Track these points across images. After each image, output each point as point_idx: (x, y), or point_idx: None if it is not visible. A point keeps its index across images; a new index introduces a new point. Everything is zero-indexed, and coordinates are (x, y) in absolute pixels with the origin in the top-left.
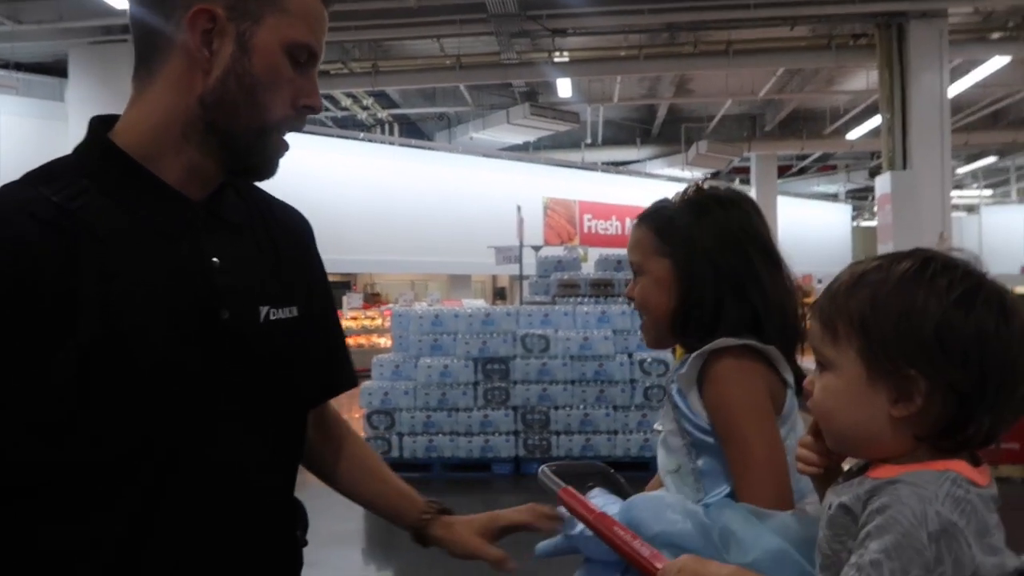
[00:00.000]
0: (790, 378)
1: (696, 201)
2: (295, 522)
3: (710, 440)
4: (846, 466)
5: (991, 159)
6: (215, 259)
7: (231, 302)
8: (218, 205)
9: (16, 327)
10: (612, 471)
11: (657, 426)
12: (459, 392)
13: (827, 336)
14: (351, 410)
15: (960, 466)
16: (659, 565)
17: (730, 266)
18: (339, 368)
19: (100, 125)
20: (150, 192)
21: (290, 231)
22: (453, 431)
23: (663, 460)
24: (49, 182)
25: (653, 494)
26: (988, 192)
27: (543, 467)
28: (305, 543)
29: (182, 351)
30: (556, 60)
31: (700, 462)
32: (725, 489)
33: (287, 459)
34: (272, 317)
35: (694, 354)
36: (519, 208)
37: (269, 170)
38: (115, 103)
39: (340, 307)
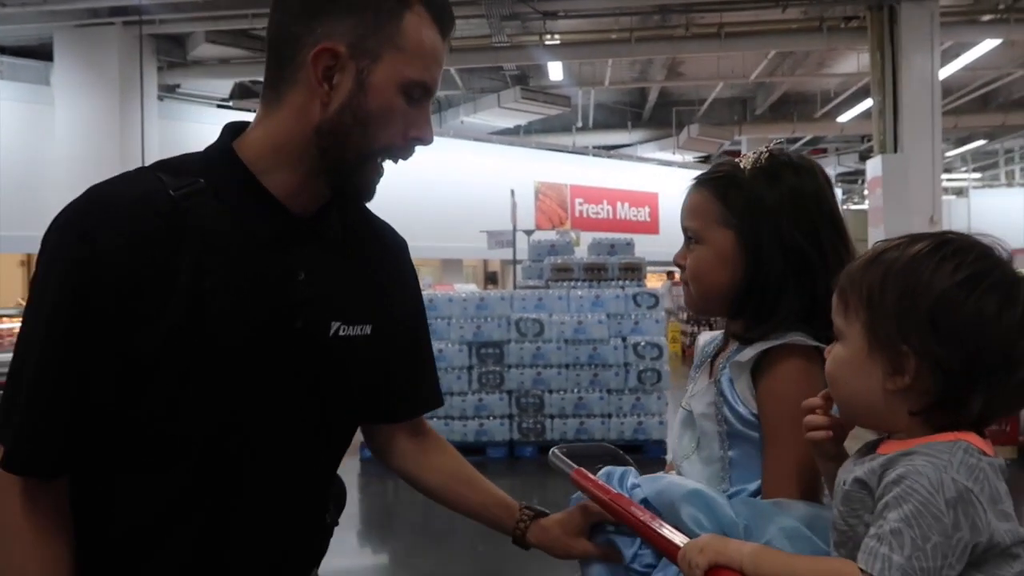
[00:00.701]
0: None
1: (768, 169)
2: (326, 507)
3: (748, 432)
4: (850, 446)
5: (980, 142)
6: (301, 272)
7: (305, 313)
8: (321, 221)
9: (118, 307)
10: (621, 452)
11: (684, 405)
12: (453, 376)
13: (840, 307)
14: None
15: (970, 436)
16: (680, 543)
17: (799, 247)
18: (420, 387)
19: (229, 133)
20: (257, 202)
21: (385, 249)
22: (447, 415)
23: (683, 444)
24: (174, 174)
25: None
26: (977, 175)
27: (554, 449)
28: (336, 523)
29: (255, 349)
30: (547, 43)
31: (732, 452)
32: (753, 484)
33: (334, 456)
34: (341, 333)
35: (758, 345)
36: (513, 192)
37: (366, 194)
38: (101, 86)
39: None
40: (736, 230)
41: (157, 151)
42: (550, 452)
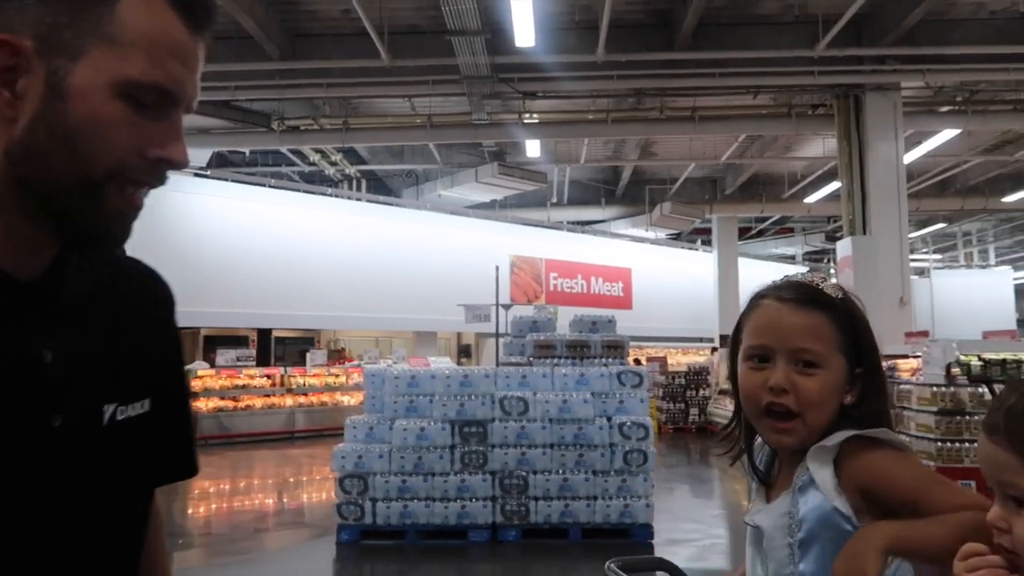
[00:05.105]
0: None
1: (850, 299)
2: None
3: (823, 532)
4: None
5: (940, 225)
6: (48, 352)
7: (66, 405)
8: (56, 281)
9: None
10: (676, 566)
11: (749, 520)
12: (435, 456)
13: None
14: (310, 472)
15: None
16: None
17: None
18: (182, 458)
19: None
20: None
21: (148, 303)
22: (429, 496)
23: (756, 569)
24: None
25: None
26: (937, 256)
27: (609, 563)
28: None
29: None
30: (526, 121)
31: (802, 565)
32: None
33: (132, 548)
34: (120, 416)
35: (843, 433)
36: (497, 268)
37: (110, 236)
38: None
39: (303, 364)
40: (847, 356)
41: None
42: (605, 565)
